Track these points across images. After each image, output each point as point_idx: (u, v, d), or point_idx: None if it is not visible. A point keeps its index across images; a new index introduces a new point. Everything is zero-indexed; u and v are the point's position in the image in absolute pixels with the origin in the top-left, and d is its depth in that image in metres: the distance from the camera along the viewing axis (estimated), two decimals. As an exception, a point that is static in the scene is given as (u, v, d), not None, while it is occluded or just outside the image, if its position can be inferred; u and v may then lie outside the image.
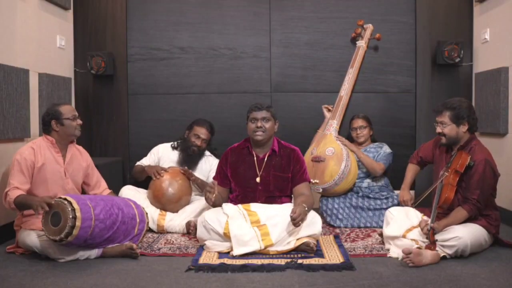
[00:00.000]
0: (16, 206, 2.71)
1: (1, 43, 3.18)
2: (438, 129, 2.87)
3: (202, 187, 3.58)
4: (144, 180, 3.70)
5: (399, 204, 3.48)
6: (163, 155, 3.76)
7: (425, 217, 2.86)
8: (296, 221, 2.70)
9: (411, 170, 3.27)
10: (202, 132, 3.71)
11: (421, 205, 3.03)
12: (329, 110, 3.99)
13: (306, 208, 2.79)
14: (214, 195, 2.86)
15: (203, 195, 3.19)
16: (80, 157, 3.11)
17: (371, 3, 4.23)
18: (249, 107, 3.12)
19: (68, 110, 2.97)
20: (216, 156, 3.79)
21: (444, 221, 2.69)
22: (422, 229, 2.70)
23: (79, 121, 3.00)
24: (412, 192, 3.23)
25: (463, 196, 2.78)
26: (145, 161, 3.77)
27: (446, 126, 2.83)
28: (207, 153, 3.81)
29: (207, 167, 3.74)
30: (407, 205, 3.09)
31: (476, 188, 2.71)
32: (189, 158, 3.68)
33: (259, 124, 3.03)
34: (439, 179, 2.78)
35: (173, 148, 3.78)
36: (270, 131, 3.07)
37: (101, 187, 3.24)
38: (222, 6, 4.28)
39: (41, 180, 2.86)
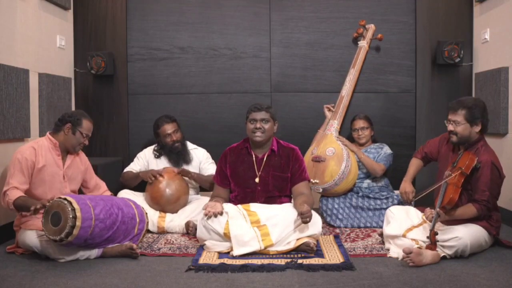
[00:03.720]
0: (15, 207, 2.71)
1: (1, 43, 3.18)
2: (450, 127, 2.82)
3: (199, 181, 3.60)
4: (137, 185, 3.65)
5: (399, 204, 3.49)
6: (150, 159, 3.74)
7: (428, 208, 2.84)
8: (306, 215, 2.68)
9: (414, 164, 3.23)
10: (166, 129, 3.65)
11: (422, 204, 3.02)
12: (329, 110, 4.00)
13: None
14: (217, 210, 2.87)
15: (201, 193, 3.15)
16: (79, 160, 3.11)
17: (371, 3, 4.23)
18: (249, 107, 3.12)
19: (88, 127, 2.98)
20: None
21: (451, 212, 2.69)
22: (427, 217, 2.70)
23: (87, 142, 3.00)
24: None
25: (469, 197, 2.77)
26: (134, 166, 3.74)
27: (460, 125, 2.79)
28: (191, 146, 3.79)
29: (196, 160, 3.73)
30: (408, 198, 3.05)
31: (485, 189, 2.70)
32: (180, 156, 3.66)
33: (258, 125, 3.03)
34: (443, 179, 2.76)
35: (157, 156, 3.72)
36: (269, 132, 3.06)
37: (101, 189, 3.23)
38: (222, 6, 4.28)
39: (39, 182, 2.86)
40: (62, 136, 2.93)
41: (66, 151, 3.00)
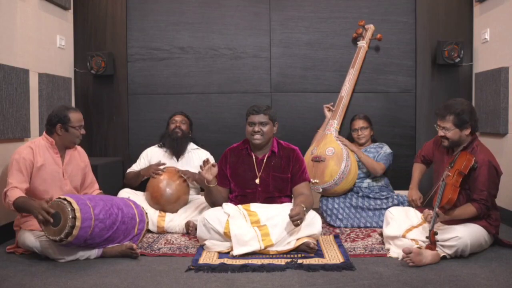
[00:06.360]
0: (16, 208, 2.70)
1: (1, 43, 3.18)
2: (441, 133, 2.84)
3: (201, 182, 3.58)
4: (138, 185, 3.67)
5: (399, 204, 3.49)
6: (153, 157, 3.75)
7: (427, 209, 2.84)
8: (294, 219, 2.69)
9: (417, 169, 3.24)
10: (176, 118, 3.76)
11: (425, 205, 3.02)
12: (329, 110, 3.99)
13: (305, 208, 2.79)
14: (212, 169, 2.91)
15: (201, 193, 3.15)
16: (78, 157, 3.10)
17: (371, 3, 4.23)
18: (248, 109, 3.10)
19: (77, 118, 2.93)
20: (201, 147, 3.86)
21: (450, 211, 2.69)
22: (425, 218, 2.71)
23: (83, 131, 2.97)
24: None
25: (467, 197, 2.77)
26: (136, 167, 3.76)
27: (450, 131, 2.80)
28: (194, 146, 3.80)
29: (198, 160, 3.71)
30: (416, 204, 3.05)
31: (483, 189, 2.70)
32: (176, 143, 3.68)
33: (256, 128, 3.01)
34: (441, 179, 2.77)
35: (160, 146, 3.77)
36: (268, 134, 3.05)
37: (93, 187, 3.23)
38: (222, 6, 4.28)
39: (39, 181, 2.85)
40: (57, 136, 2.92)
41: (64, 148, 3.00)
